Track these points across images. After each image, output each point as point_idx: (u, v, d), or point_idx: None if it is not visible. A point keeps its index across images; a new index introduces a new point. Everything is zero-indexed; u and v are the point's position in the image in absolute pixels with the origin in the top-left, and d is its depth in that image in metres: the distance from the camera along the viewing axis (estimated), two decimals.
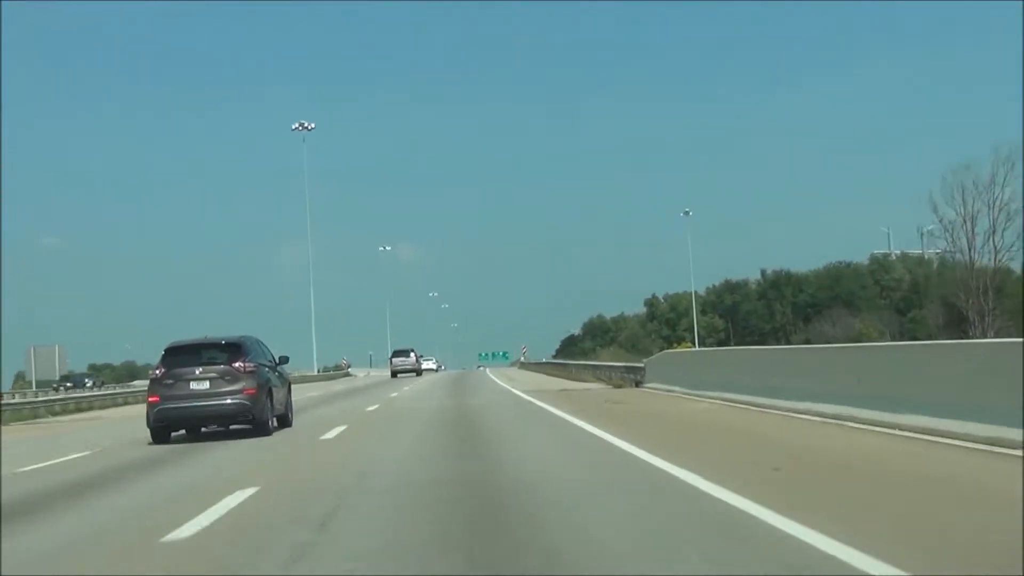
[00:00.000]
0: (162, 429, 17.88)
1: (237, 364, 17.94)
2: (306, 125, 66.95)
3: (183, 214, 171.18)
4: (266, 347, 19.63)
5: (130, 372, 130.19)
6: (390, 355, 72.26)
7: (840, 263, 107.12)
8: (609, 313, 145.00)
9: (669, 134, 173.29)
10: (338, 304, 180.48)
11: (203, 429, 18.55)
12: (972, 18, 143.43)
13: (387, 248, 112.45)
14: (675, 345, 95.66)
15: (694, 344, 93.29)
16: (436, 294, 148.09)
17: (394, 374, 66.04)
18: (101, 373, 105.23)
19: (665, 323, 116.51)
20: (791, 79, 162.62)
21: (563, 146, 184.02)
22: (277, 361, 19.83)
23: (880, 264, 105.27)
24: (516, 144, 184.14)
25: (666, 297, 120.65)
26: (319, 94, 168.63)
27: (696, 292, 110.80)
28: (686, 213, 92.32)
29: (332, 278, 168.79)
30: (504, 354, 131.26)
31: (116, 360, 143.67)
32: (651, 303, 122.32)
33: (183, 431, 18.52)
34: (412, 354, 70.81)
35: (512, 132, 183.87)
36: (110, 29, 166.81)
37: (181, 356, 18.12)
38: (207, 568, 6.52)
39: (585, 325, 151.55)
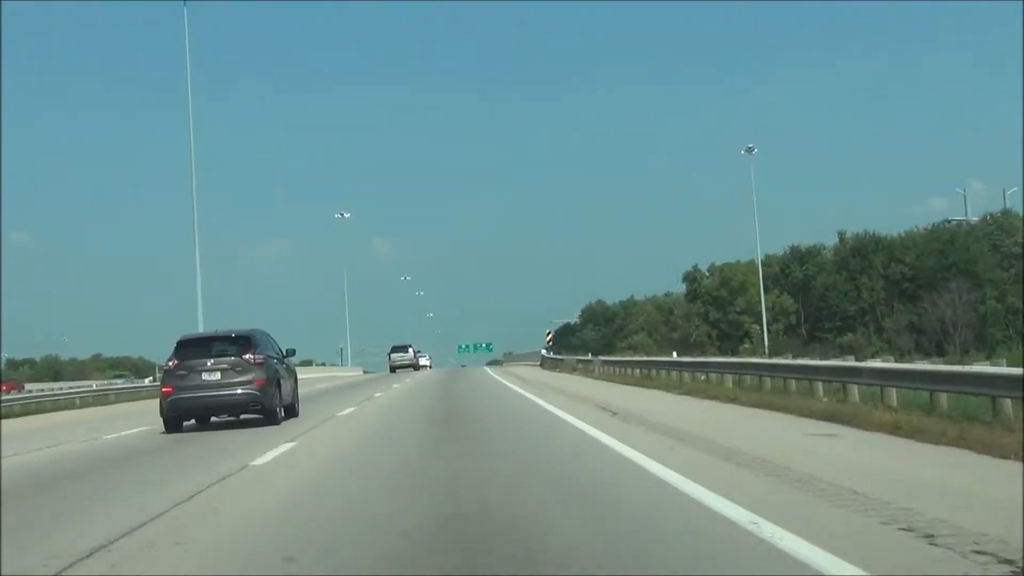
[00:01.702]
0: (175, 419, 18.97)
1: (247, 356, 19.00)
2: None
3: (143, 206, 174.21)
4: (274, 340, 20.66)
5: (52, 369, 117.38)
6: (389, 350, 75.94)
7: (948, 222, 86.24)
8: (610, 299, 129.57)
9: (667, 118, 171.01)
10: (310, 298, 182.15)
11: (213, 418, 19.52)
12: None
13: (345, 215, 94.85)
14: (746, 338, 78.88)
15: (762, 332, 72.54)
16: (409, 278, 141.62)
17: (392, 369, 70.39)
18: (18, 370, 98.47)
19: (713, 303, 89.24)
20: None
21: (554, 131, 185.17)
22: (284, 354, 20.72)
23: (997, 224, 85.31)
24: (493, 132, 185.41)
25: (713, 270, 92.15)
26: (294, 87, 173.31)
27: (744, 263, 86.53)
28: (749, 150, 69.10)
29: (309, 272, 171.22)
30: (487, 346, 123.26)
31: (38, 354, 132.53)
32: (692, 278, 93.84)
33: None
34: (410, 350, 75.27)
35: (491, 122, 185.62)
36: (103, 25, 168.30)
37: (193, 348, 19.29)
38: None
39: (584, 311, 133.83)
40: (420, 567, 6.40)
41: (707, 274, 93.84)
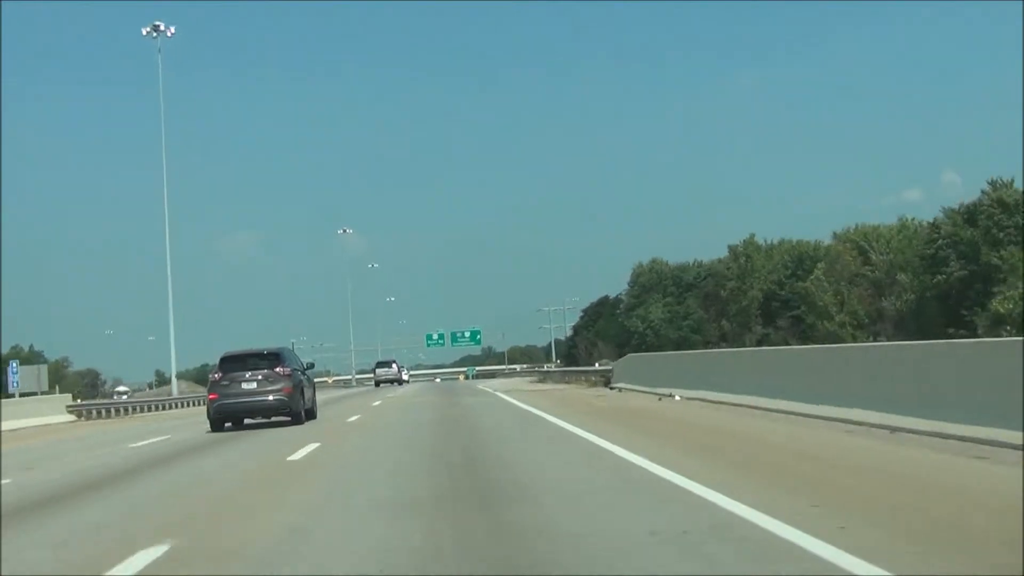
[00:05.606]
0: (219, 420, 23.87)
1: (278, 368, 24.00)
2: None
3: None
4: (296, 355, 25.56)
5: None
6: (374, 365, 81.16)
7: None
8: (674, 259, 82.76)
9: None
10: (274, 291, 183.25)
11: (246, 420, 24.36)
12: None
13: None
14: None
15: None
16: (349, 231, 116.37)
17: (377, 383, 74.62)
18: None
19: None
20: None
21: (537, 118, 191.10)
22: (305, 366, 25.70)
23: None
24: (469, 121, 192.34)
25: None
26: (266, 76, 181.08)
27: None
28: None
29: (277, 265, 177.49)
30: (473, 335, 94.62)
31: None
32: None
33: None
34: (394, 365, 79.74)
35: (465, 111, 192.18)
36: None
37: (234, 362, 24.25)
38: None
39: (638, 274, 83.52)
40: None
41: None
